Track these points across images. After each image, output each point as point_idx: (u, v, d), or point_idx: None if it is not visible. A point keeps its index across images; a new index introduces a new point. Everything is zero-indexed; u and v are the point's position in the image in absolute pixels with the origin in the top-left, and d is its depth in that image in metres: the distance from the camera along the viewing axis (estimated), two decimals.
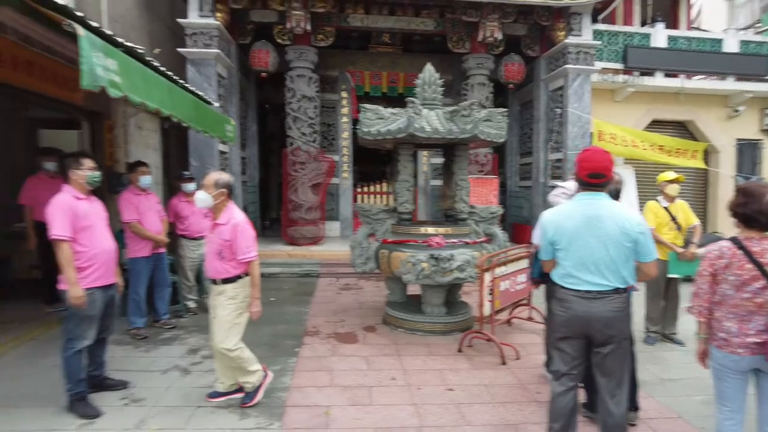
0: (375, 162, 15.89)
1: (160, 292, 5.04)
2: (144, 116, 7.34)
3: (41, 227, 4.97)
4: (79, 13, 3.15)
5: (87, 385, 3.44)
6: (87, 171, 3.37)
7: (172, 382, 3.89)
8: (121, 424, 3.23)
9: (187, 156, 8.16)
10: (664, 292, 4.88)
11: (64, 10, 3.02)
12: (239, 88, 9.39)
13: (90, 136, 6.35)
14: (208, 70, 7.94)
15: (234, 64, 8.90)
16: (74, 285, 3.17)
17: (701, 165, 10.24)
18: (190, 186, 5.36)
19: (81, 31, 2.97)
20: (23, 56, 4.81)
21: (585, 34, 9.10)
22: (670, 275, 4.76)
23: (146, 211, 4.70)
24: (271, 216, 13.47)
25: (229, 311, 3.31)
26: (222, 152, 8.39)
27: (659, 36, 10.09)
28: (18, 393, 3.65)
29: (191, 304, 5.65)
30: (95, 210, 3.42)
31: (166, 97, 4.27)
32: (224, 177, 3.40)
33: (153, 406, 3.47)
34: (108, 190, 5.89)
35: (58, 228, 3.15)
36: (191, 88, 5.22)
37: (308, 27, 8.68)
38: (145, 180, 4.73)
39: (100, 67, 3.07)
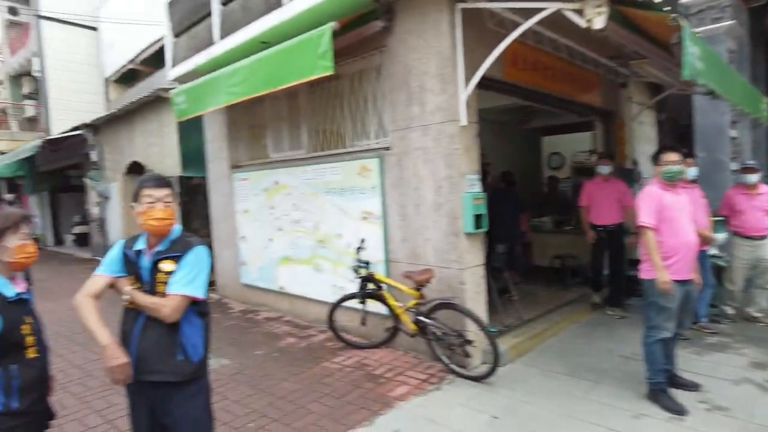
0: None
1: (701, 292, 4.68)
2: (644, 111, 7.23)
3: (595, 227, 5.52)
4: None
5: (665, 378, 3.46)
6: (663, 166, 3.37)
7: (752, 398, 3.45)
8: (716, 431, 3.05)
9: (686, 145, 7.50)
10: None
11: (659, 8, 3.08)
12: (750, 60, 7.94)
13: (603, 135, 6.67)
14: (717, 47, 7.01)
15: (745, 32, 7.58)
16: (661, 270, 3.21)
17: None
18: (752, 177, 4.75)
19: (684, 23, 2.95)
20: (563, 68, 5.43)
21: None
22: None
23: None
24: None
25: None
26: (732, 138, 7.27)
27: None
28: (587, 368, 4.08)
29: (729, 311, 5.03)
30: (680, 202, 3.38)
31: (726, 80, 3.90)
32: None
33: (745, 421, 3.13)
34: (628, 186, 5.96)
35: (643, 216, 3.29)
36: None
37: None
38: (691, 172, 4.49)
39: (692, 56, 2.97)
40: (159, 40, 13.61)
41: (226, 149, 6.70)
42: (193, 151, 8.10)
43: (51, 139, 11.27)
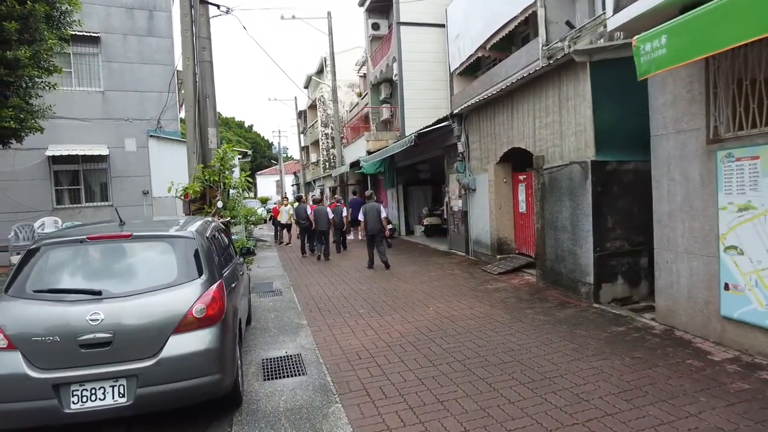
0: None
1: None
2: None
3: None
4: None
5: None
6: None
7: None
8: None
9: None
10: None
11: None
12: None
13: None
14: None
15: None
16: None
17: None
18: None
19: None
20: None
21: None
22: None
23: None
24: None
25: None
26: None
27: None
28: None
29: None
30: None
31: None
32: None
33: None
34: None
35: None
36: None
37: None
38: None
39: None
40: (511, 21, 12.58)
41: (701, 115, 4.51)
42: (610, 128, 6.23)
43: (420, 132, 11.36)
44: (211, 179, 8.88)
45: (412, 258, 11.39)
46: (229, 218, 9.02)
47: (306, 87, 41.12)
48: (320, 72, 34.86)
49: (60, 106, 13.57)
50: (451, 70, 16.85)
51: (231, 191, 9.92)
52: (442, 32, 18.15)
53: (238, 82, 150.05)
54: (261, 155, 63.07)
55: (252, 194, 60.52)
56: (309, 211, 12.82)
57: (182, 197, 8.94)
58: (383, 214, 10.18)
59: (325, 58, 31.85)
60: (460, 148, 10.57)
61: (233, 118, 60.23)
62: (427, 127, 11.36)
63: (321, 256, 12.09)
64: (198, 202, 9.05)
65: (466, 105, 10.28)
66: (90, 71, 13.98)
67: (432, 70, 18.46)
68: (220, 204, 8.78)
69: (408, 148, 12.77)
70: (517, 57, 12.16)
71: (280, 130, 73.80)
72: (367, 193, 11.27)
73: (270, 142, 62.04)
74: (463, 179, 10.46)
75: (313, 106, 37.66)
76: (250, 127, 64.23)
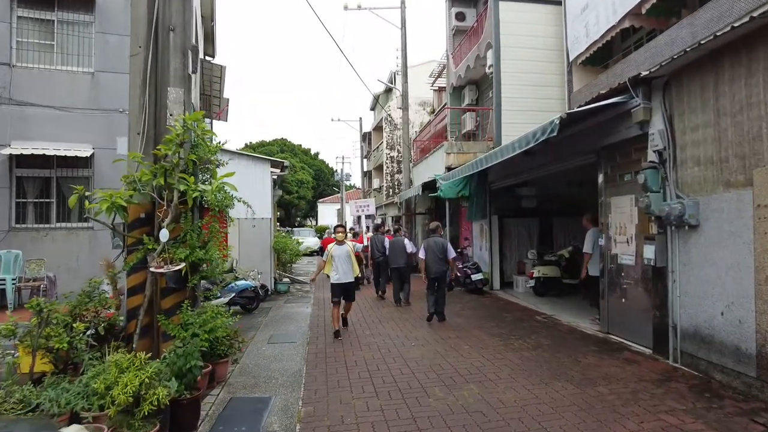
0: None
1: None
2: None
3: None
4: None
5: None
6: None
7: None
8: None
9: None
10: None
11: None
12: None
13: None
14: None
15: None
16: None
17: None
18: None
19: None
20: None
21: None
22: None
23: None
24: None
25: None
26: None
27: None
28: None
29: None
30: None
31: None
32: None
33: None
34: None
35: None
36: None
37: None
38: None
39: None
40: None
41: None
42: None
43: (572, 112, 6.23)
44: (156, 184, 4.36)
45: (539, 351, 6.10)
46: (182, 266, 4.34)
47: (372, 109, 37.34)
48: (388, 91, 30.86)
49: (32, 90, 9.78)
50: (571, 59, 11.74)
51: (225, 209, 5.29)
52: (552, 11, 13.29)
53: (304, 108, 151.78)
54: (325, 183, 60.00)
55: (313, 222, 56.87)
56: (386, 243, 11.15)
57: (95, 218, 4.48)
58: (451, 254, 8.53)
59: (394, 72, 27.80)
60: (657, 143, 5.37)
61: (300, 145, 57.50)
62: (586, 105, 6.23)
63: (401, 301, 10.14)
64: (139, 228, 4.56)
65: (669, 60, 5.14)
66: (80, 45, 10.27)
67: (537, 61, 13.45)
68: (164, 235, 4.18)
69: (515, 159, 7.85)
70: (716, 5, 6.84)
71: (343, 156, 70.99)
72: (432, 225, 9.27)
73: (333, 169, 58.98)
74: (660, 205, 5.24)
75: (378, 128, 33.67)
76: (316, 154, 61.47)
